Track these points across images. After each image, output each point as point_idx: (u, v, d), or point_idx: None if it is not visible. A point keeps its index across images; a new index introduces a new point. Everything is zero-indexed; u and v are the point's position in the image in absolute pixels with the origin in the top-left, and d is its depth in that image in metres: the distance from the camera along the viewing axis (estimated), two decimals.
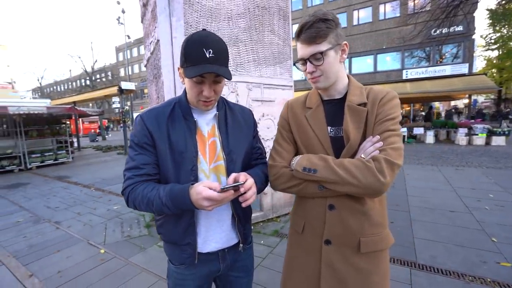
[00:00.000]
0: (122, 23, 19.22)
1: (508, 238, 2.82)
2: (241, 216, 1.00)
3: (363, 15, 22.59)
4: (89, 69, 24.98)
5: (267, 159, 1.06)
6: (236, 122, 1.02)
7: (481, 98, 35.94)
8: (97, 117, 22.78)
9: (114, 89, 10.54)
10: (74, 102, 12.20)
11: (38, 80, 41.06)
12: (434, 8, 10.86)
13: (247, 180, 0.83)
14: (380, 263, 0.92)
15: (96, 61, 26.46)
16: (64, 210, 4.41)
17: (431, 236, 2.94)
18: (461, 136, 10.89)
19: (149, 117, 0.90)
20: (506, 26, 20.27)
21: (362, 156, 0.84)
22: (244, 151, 1.01)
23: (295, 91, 3.93)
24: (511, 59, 21.58)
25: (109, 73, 33.95)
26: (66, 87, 53.88)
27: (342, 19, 23.30)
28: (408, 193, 4.50)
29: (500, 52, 23.29)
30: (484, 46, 23.73)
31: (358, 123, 0.88)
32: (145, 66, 4.15)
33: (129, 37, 20.78)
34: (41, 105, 8.78)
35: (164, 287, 2.22)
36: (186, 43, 0.83)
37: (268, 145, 3.51)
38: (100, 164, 9.30)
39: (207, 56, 0.80)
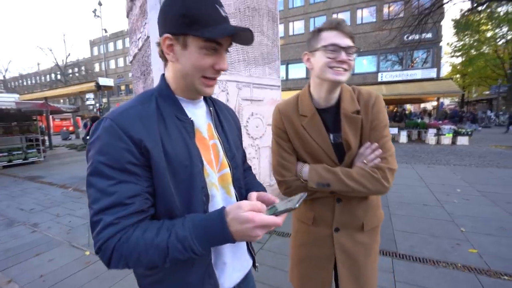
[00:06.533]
0: (98, 16, 18.31)
1: (474, 227, 3.12)
2: None
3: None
4: (60, 63, 23.51)
5: (277, 175, 1.06)
6: (228, 121, 0.86)
7: (446, 101, 38.70)
8: (70, 114, 21.55)
9: (91, 85, 10.03)
10: (46, 98, 11.45)
11: (1, 73, 37.90)
12: (407, 15, 11.57)
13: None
14: (376, 235, 1.10)
15: (69, 55, 24.98)
16: (40, 212, 4.17)
17: (408, 228, 3.17)
18: (430, 136, 11.70)
19: (130, 120, 0.61)
20: (468, 35, 22.03)
21: (364, 161, 0.95)
22: (241, 154, 0.88)
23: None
24: (473, 66, 23.47)
25: (83, 68, 32.18)
26: (34, 82, 50.24)
27: (322, 22, 23.87)
28: None
29: (463, 59, 25.25)
30: (450, 53, 25.61)
31: (355, 131, 0.97)
32: (131, 62, 4.05)
33: (106, 30, 19.86)
34: (9, 100, 8.17)
35: None
36: (184, 0, 0.60)
37: (257, 144, 3.58)
38: (76, 164, 8.82)
39: (223, 14, 0.63)
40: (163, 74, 0.74)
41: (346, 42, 0.91)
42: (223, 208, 0.60)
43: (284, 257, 2.62)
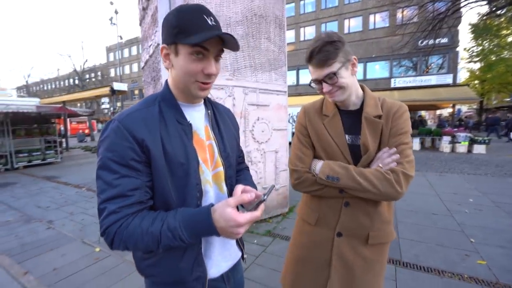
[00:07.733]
0: (114, 24, 19.08)
1: (485, 239, 3.03)
2: None
3: (354, 24, 23.26)
4: (78, 69, 24.62)
5: (291, 165, 1.09)
6: (225, 123, 0.92)
7: (464, 108, 37.46)
8: (86, 117, 22.37)
9: (106, 90, 10.45)
10: (64, 102, 11.99)
11: (24, 78, 39.94)
12: (421, 20, 11.37)
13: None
14: (383, 254, 1.03)
15: (86, 61, 26.20)
16: (56, 210, 4.37)
17: (415, 237, 3.11)
18: (445, 144, 11.36)
19: (134, 122, 0.69)
20: (487, 40, 21.32)
21: (380, 165, 0.93)
22: (236, 154, 0.94)
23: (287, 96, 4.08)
24: (492, 71, 22.61)
25: (99, 73, 33.53)
26: (53, 86, 52.65)
27: (334, 27, 23.93)
28: None
29: (482, 65, 24.41)
30: (467, 59, 24.78)
31: (375, 134, 0.96)
32: (142, 68, 4.22)
33: (121, 37, 20.65)
34: (30, 103, 8.61)
35: None
36: (177, 13, 0.68)
37: (262, 148, 3.63)
38: (90, 165, 9.15)
39: (210, 23, 0.68)
40: (167, 80, 0.81)
41: (321, 73, 0.92)
42: (211, 205, 0.68)
43: None
